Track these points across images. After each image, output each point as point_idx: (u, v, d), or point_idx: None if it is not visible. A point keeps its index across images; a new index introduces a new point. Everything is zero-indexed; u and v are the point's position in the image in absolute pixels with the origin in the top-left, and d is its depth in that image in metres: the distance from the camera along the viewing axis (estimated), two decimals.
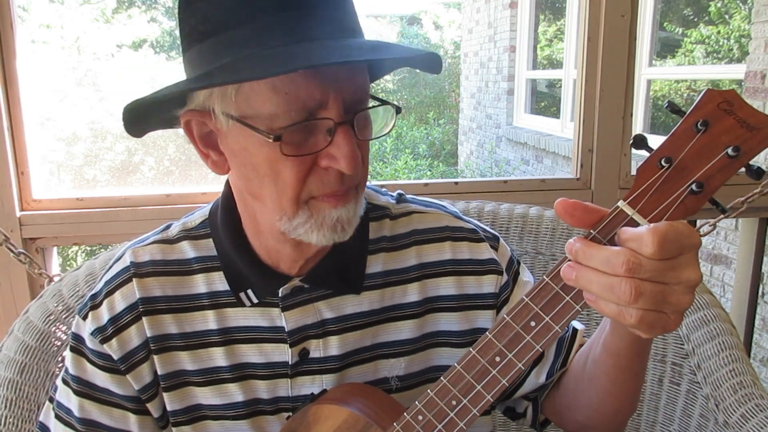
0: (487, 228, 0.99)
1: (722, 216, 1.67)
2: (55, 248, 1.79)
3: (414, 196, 1.00)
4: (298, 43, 0.70)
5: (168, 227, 0.94)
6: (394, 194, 0.99)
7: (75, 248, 6.80)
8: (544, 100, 7.75)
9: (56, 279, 1.35)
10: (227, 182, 0.89)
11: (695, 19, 5.96)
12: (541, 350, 0.69)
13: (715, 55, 5.68)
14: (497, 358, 0.71)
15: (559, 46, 6.89)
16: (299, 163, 0.74)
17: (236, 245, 0.87)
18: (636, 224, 0.64)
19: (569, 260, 0.65)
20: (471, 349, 0.73)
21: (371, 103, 0.79)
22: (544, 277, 0.68)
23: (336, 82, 0.72)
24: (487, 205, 1.39)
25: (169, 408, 0.90)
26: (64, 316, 1.17)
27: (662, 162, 0.63)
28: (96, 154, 8.11)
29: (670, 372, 1.28)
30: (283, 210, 0.78)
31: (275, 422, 0.91)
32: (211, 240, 0.91)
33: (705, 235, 1.72)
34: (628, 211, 0.64)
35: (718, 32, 5.56)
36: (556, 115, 6.45)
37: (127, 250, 0.92)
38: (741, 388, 1.13)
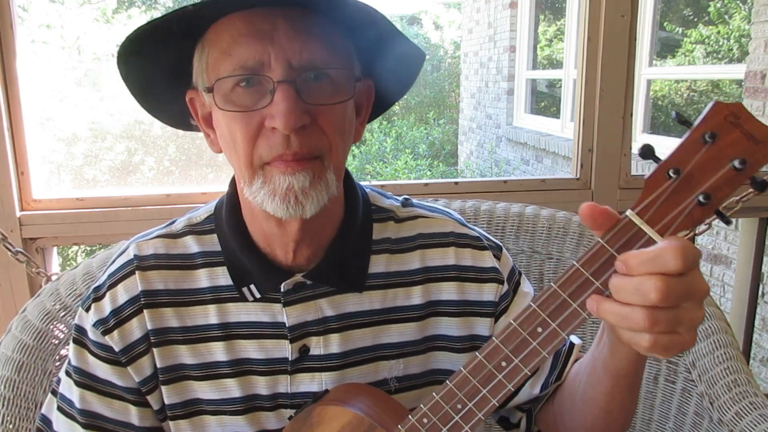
0: (491, 237, 1.00)
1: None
2: (55, 248, 1.79)
3: (420, 201, 1.01)
4: None
5: (173, 222, 0.95)
6: (400, 198, 0.99)
7: (75, 248, 6.80)
8: (544, 100, 7.75)
9: (54, 278, 1.35)
10: (233, 180, 0.90)
11: (695, 19, 5.96)
12: (547, 356, 0.69)
13: (715, 55, 5.68)
14: (503, 363, 0.71)
15: (559, 46, 6.89)
16: (246, 123, 0.77)
17: (239, 240, 0.88)
18: (643, 234, 0.64)
19: (575, 269, 0.66)
20: (477, 353, 0.73)
21: (331, 69, 0.78)
22: (552, 284, 0.68)
23: (278, 42, 0.75)
24: (483, 204, 1.39)
25: (166, 401, 0.90)
26: (61, 315, 1.17)
27: (671, 173, 0.63)
28: (96, 154, 8.11)
29: (665, 370, 1.28)
30: (242, 176, 0.81)
31: (273, 418, 0.91)
32: (215, 235, 0.92)
33: (701, 233, 1.72)
34: (637, 221, 0.64)
35: (718, 32, 5.57)
36: (556, 115, 6.45)
37: (132, 243, 0.93)
38: (735, 386, 1.14)
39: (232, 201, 0.90)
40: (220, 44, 0.77)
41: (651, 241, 0.63)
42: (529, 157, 6.75)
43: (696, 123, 0.63)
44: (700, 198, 0.63)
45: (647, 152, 0.64)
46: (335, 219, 0.90)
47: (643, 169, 4.37)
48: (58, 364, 1.15)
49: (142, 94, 0.88)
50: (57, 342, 1.17)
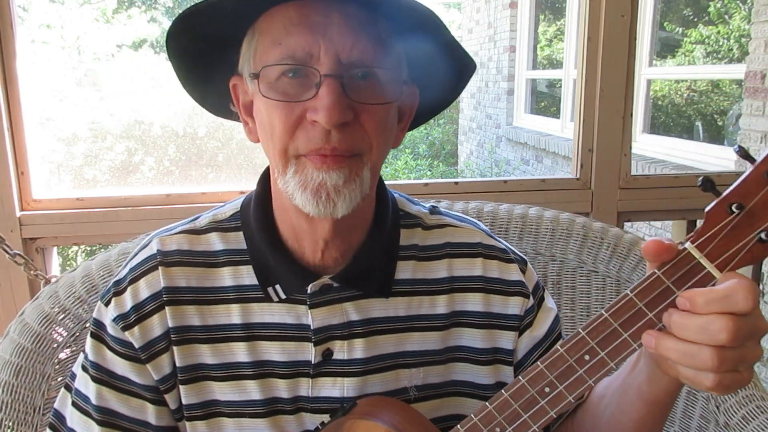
0: (516, 251, 0.99)
1: None
2: (55, 248, 1.79)
3: (447, 210, 1.00)
4: None
5: (197, 218, 0.93)
6: (427, 205, 0.99)
7: (75, 248, 6.80)
8: (544, 100, 7.75)
9: (53, 280, 1.35)
10: (261, 178, 0.90)
11: (695, 19, 5.96)
12: (593, 384, 0.68)
13: (715, 55, 5.68)
14: (547, 389, 0.70)
15: (559, 46, 6.90)
16: (287, 113, 0.76)
17: (267, 238, 0.87)
18: (702, 268, 0.63)
19: (629, 298, 0.64)
20: (520, 377, 0.72)
21: (379, 69, 0.77)
22: (603, 312, 0.67)
23: (329, 36, 0.74)
24: (486, 205, 1.39)
25: (184, 401, 0.88)
26: (60, 318, 1.17)
27: (733, 208, 0.63)
28: (96, 154, 8.10)
29: None
30: (276, 165, 0.79)
31: (294, 422, 0.89)
32: (241, 233, 0.90)
33: None
34: (696, 254, 0.64)
35: (718, 32, 5.57)
36: (556, 115, 6.45)
37: (154, 238, 0.91)
38: (741, 390, 1.13)
39: (261, 197, 0.89)
40: (271, 32, 0.76)
41: (709, 276, 0.63)
42: (529, 157, 6.75)
43: (760, 159, 0.62)
44: (762, 235, 0.62)
45: (708, 185, 0.63)
46: (366, 222, 0.89)
47: (643, 169, 4.37)
48: (57, 367, 1.15)
49: (185, 73, 0.87)
50: (56, 345, 1.16)
